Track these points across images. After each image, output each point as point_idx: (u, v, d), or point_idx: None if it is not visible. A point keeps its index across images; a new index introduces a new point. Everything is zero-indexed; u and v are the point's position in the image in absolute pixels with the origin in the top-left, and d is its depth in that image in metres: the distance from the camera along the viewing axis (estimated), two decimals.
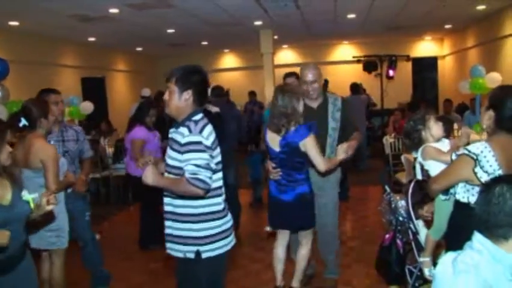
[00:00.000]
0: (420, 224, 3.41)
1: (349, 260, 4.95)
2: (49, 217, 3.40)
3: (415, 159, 3.37)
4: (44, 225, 3.48)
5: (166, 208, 2.78)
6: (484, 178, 2.41)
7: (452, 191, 2.79)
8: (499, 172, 2.42)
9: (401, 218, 3.46)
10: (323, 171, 3.63)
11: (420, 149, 3.09)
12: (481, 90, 7.02)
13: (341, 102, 4.13)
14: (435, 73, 15.02)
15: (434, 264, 2.96)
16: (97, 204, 7.77)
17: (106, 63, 13.53)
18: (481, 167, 2.41)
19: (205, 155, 2.56)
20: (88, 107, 8.38)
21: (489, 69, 7.47)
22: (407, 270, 3.52)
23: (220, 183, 2.76)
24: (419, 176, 3.36)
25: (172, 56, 15.12)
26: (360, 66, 12.76)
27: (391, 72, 11.67)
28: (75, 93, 9.67)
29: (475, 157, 2.44)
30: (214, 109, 5.36)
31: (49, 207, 2.62)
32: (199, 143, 2.56)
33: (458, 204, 2.68)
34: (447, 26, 12.68)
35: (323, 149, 3.90)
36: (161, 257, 4.95)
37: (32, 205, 2.53)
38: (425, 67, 14.90)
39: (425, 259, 3.21)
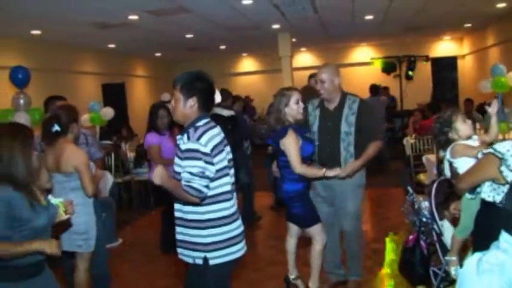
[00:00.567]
0: (444, 225, 3.38)
1: (371, 263, 4.92)
2: (64, 225, 3.43)
3: (441, 159, 3.34)
4: (60, 233, 3.53)
5: (176, 214, 2.79)
6: (510, 177, 2.37)
7: (478, 189, 2.76)
8: None
9: (424, 219, 3.44)
10: (297, 173, 3.66)
11: (449, 148, 3.06)
12: (503, 88, 6.94)
13: (357, 105, 3.95)
14: (455, 73, 14.82)
15: (461, 265, 2.93)
16: (119, 209, 7.83)
17: (125, 69, 13.69)
18: (507, 166, 2.38)
19: (200, 163, 2.55)
20: (108, 112, 8.48)
21: (510, 68, 7.37)
22: (431, 272, 3.50)
23: (228, 187, 2.73)
24: (448, 174, 3.32)
25: (190, 61, 15.24)
26: (378, 67, 12.68)
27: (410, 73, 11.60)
28: (96, 99, 9.79)
29: (500, 156, 2.40)
30: (228, 112, 5.36)
31: (65, 217, 2.66)
32: (196, 150, 2.56)
33: (484, 203, 2.65)
34: (467, 25, 12.55)
35: (335, 153, 3.90)
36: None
37: (62, 208, 2.57)
38: (445, 67, 14.71)
39: (451, 258, 3.17)
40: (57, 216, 2.65)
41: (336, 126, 3.92)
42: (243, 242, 2.82)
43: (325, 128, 3.97)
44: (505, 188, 2.36)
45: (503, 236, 1.78)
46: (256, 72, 16.62)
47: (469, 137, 3.06)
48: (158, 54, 14.38)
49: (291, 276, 4.10)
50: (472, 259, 1.82)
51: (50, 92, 6.03)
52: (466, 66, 14.83)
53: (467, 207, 2.97)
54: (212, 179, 2.61)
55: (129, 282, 4.97)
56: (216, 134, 2.68)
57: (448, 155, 3.08)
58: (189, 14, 8.31)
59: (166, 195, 3.17)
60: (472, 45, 14.23)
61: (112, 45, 11.44)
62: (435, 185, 3.47)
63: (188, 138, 2.60)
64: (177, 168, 2.69)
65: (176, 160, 2.70)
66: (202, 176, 2.54)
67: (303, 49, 15.70)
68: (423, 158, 6.56)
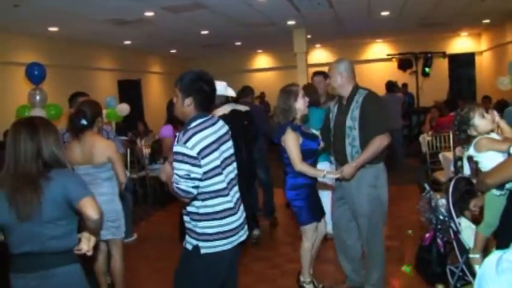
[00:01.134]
0: (462, 224, 3.34)
1: (386, 260, 4.87)
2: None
3: (458, 157, 3.29)
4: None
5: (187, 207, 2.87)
6: None
7: (508, 186, 2.70)
8: None
9: (441, 217, 3.40)
10: (297, 171, 3.70)
11: (473, 143, 2.99)
12: None
13: (362, 98, 3.75)
14: (472, 69, 14.68)
15: None
16: (135, 205, 7.86)
17: (141, 65, 13.76)
18: None
19: (186, 166, 2.60)
20: (124, 108, 8.53)
21: None
22: (448, 270, 3.46)
23: (223, 185, 2.75)
24: (467, 172, 3.28)
25: (205, 57, 15.24)
26: (394, 64, 12.57)
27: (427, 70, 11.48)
28: (112, 95, 9.86)
29: None
30: (244, 108, 5.41)
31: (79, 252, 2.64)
32: (182, 154, 2.61)
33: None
34: (485, 21, 12.36)
35: (342, 149, 3.83)
36: None
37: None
38: (462, 63, 14.58)
39: (475, 256, 3.13)
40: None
41: (343, 121, 3.84)
42: (237, 235, 2.84)
43: (337, 123, 3.94)
44: None
45: None
46: (271, 69, 16.58)
47: (488, 132, 3.01)
48: (173, 51, 14.41)
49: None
50: (492, 257, 1.77)
51: (66, 89, 6.11)
52: (484, 63, 14.63)
53: (492, 204, 2.91)
54: (202, 179, 2.67)
55: (144, 277, 5.00)
56: (208, 135, 2.70)
57: (471, 150, 3.02)
58: (205, 10, 8.32)
59: None
60: (490, 41, 14.02)
61: (128, 42, 11.50)
62: (452, 183, 3.43)
63: (177, 141, 2.67)
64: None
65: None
66: (188, 178, 2.62)
67: (318, 45, 15.62)
68: (440, 156, 6.48)
